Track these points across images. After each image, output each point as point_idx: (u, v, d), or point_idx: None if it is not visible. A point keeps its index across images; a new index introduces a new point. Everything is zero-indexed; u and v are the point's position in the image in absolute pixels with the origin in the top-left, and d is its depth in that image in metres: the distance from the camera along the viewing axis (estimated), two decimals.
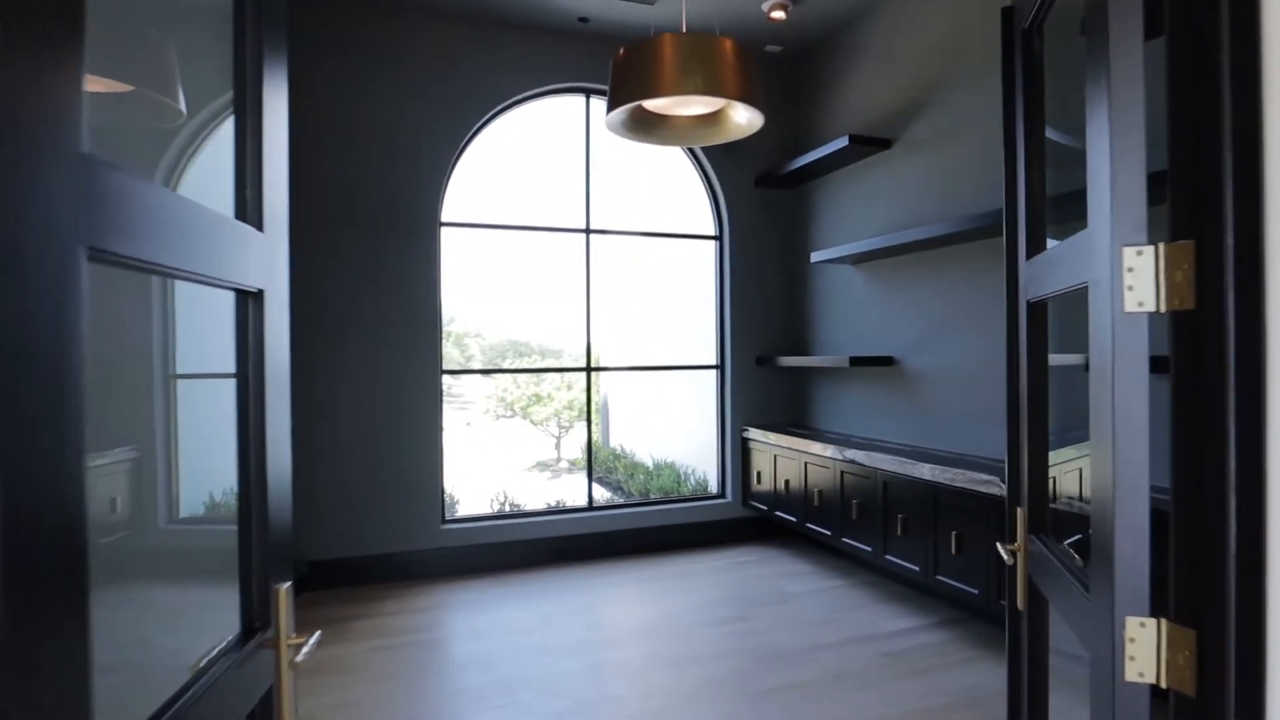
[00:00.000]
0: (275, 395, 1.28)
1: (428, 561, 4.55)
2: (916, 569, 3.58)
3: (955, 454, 3.80)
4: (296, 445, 3.77)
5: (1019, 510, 1.95)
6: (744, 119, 3.07)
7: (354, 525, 4.40)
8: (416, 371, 4.52)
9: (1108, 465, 1.28)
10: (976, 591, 3.21)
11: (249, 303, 1.18)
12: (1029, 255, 1.90)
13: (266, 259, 1.22)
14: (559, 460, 9.57)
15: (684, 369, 5.83)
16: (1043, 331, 1.91)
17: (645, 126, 3.27)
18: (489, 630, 3.70)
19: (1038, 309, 1.88)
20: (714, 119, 3.21)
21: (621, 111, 3.09)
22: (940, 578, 3.44)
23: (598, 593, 4.27)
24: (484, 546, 4.66)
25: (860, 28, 4.69)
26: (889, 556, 3.78)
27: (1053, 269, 1.66)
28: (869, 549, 3.93)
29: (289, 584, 1.33)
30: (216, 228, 1.05)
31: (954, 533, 3.33)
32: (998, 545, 1.97)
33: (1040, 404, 1.91)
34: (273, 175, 1.31)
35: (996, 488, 3.07)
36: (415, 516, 4.52)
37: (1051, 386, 1.97)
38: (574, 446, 9.46)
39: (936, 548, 3.46)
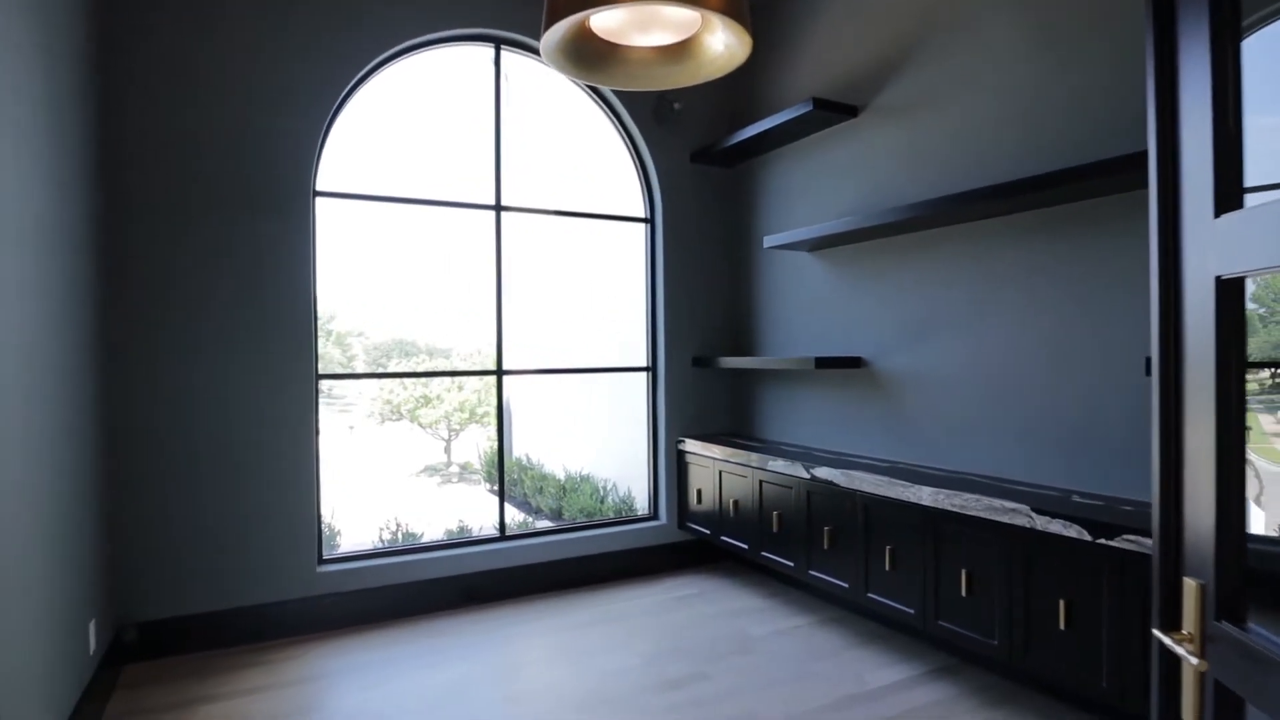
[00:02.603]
0: None
1: (302, 614, 3.63)
2: (911, 612, 2.99)
3: (946, 472, 3.25)
4: (114, 473, 2.76)
5: (1190, 584, 1.34)
6: (722, 47, 2.37)
7: (202, 571, 3.44)
8: (284, 376, 3.60)
9: None
10: (995, 643, 2.65)
11: None
12: (1218, 212, 1.29)
13: None
14: (449, 464, 8.85)
15: (609, 371, 5.11)
16: (1240, 320, 1.31)
17: (591, 59, 2.53)
18: (387, 710, 2.86)
19: (1233, 288, 1.28)
20: (681, 51, 2.50)
21: (563, 29, 2.35)
22: (944, 623, 2.86)
23: (518, 646, 3.48)
24: (374, 591, 3.78)
25: None
26: (873, 595, 3.19)
27: None
28: (845, 585, 3.33)
29: None
30: None
31: (963, 571, 2.76)
32: (1157, 634, 1.36)
33: (1236, 425, 1.30)
34: None
35: (1025, 518, 2.51)
36: (284, 557, 3.60)
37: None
38: (465, 450, 8.74)
39: (939, 587, 2.88)
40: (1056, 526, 2.41)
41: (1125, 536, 2.21)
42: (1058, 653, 2.45)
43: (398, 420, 8.95)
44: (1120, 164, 2.46)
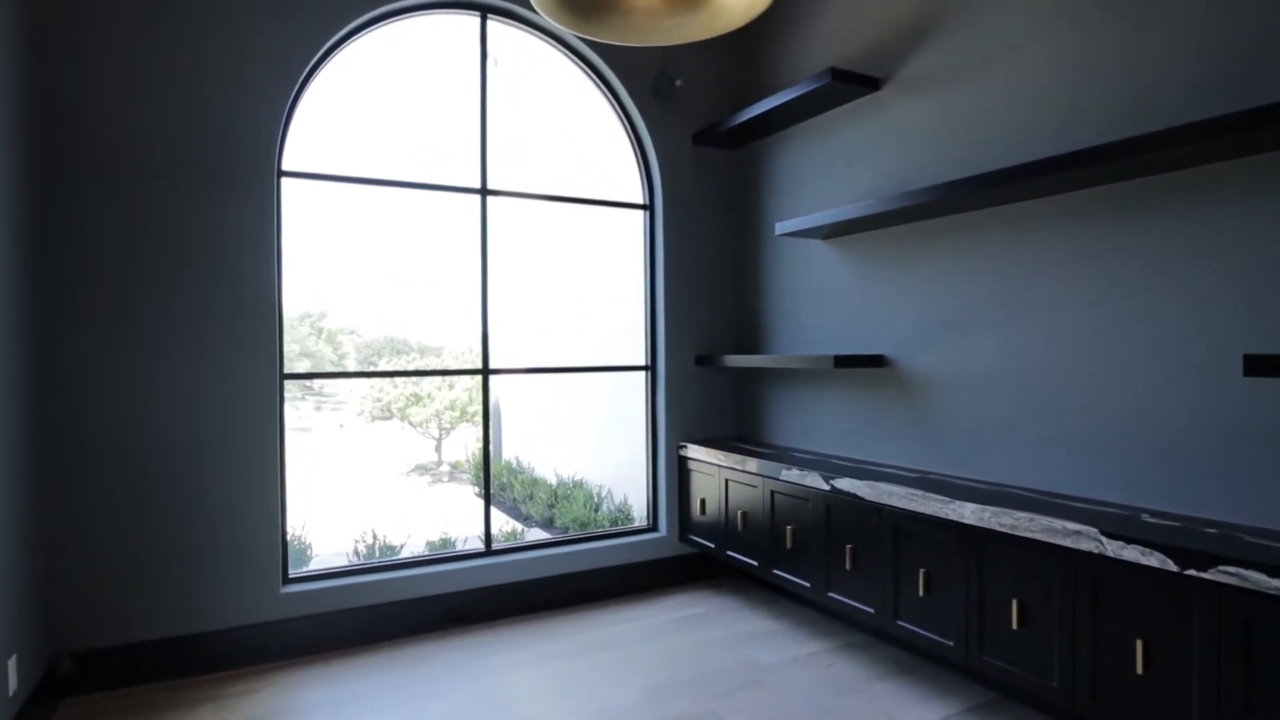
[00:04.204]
0: None
1: (263, 640, 3.26)
2: (950, 644, 2.64)
3: (985, 484, 2.90)
4: (44, 482, 2.31)
5: None
6: None
7: (149, 593, 3.06)
8: (244, 374, 3.22)
9: None
10: (1055, 685, 2.30)
11: None
12: None
13: None
14: (440, 464, 8.57)
15: (604, 370, 4.74)
16: None
17: (588, 7, 2.18)
18: None
19: None
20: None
21: None
22: (990, 659, 2.51)
23: (507, 678, 3.11)
24: (346, 613, 3.41)
25: None
26: (904, 623, 2.83)
27: None
28: (871, 610, 2.98)
29: None
30: None
31: (1014, 600, 2.41)
32: None
33: None
34: None
35: (1092, 542, 2.16)
36: (243, 576, 3.23)
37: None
38: (455, 449, 8.45)
39: (983, 617, 2.53)
40: (1133, 553, 2.06)
41: (1222, 568, 1.86)
42: (1134, 700, 2.09)
43: (388, 419, 8.66)
44: (1188, 133, 2.12)
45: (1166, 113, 2.39)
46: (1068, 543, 2.23)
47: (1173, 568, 1.97)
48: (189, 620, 3.13)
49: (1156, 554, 2.01)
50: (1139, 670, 2.06)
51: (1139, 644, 2.06)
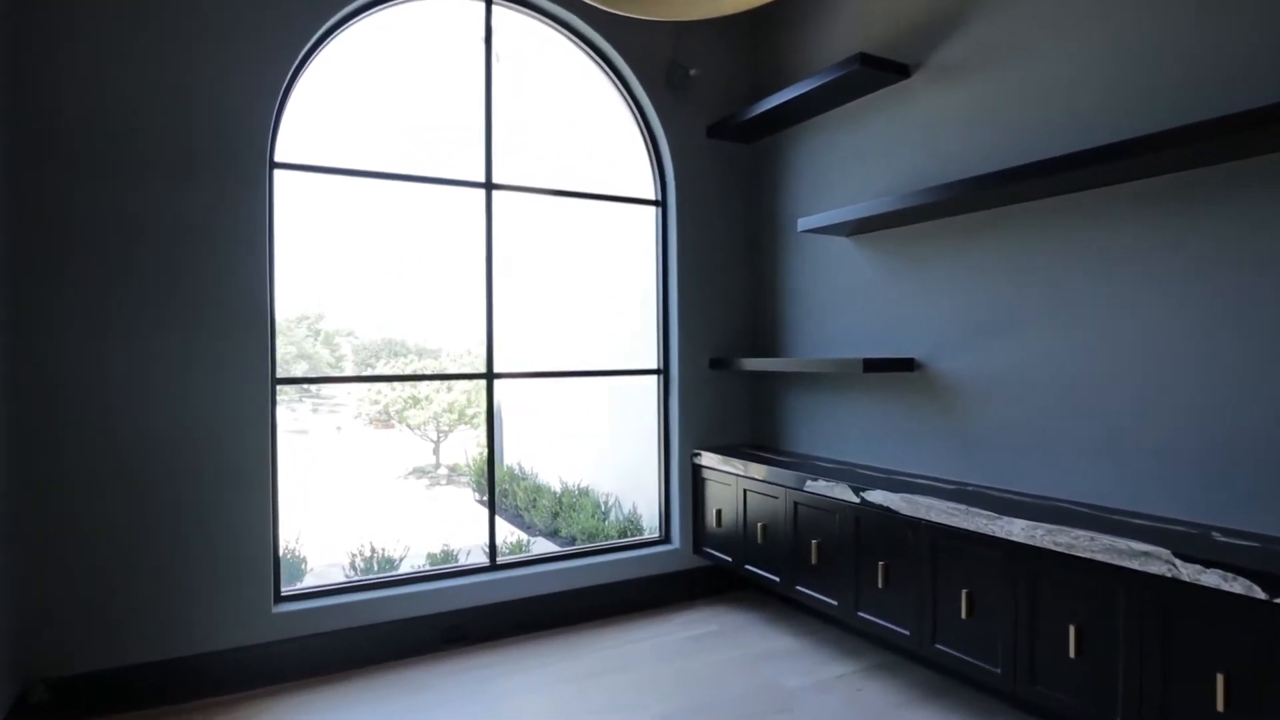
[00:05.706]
0: None
1: (254, 664, 3.05)
2: (998, 671, 2.44)
3: (1030, 497, 2.70)
4: (15, 493, 2.06)
5: None
6: None
7: (130, 615, 2.86)
8: (233, 378, 3.02)
9: None
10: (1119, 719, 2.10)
11: None
12: None
13: None
14: (438, 467, 8.42)
15: (614, 374, 4.53)
16: None
17: None
18: None
19: None
20: None
21: None
22: (1042, 688, 2.31)
23: (512, 705, 2.90)
24: (342, 634, 3.20)
25: None
26: (942, 646, 2.63)
27: None
28: (906, 632, 2.78)
29: None
30: None
31: (1070, 626, 2.21)
32: None
33: None
34: None
35: (1163, 565, 1.96)
36: (232, 594, 3.02)
37: None
38: (454, 451, 8.29)
39: (1035, 643, 2.33)
40: (1212, 578, 1.86)
41: None
42: None
43: (385, 422, 8.52)
44: (1237, 123, 1.95)
45: (1213, 102, 2.21)
46: (1135, 565, 2.03)
47: (1260, 595, 1.77)
48: (173, 643, 2.92)
49: (1241, 579, 1.81)
50: (1219, 707, 1.86)
51: (1220, 678, 1.86)
